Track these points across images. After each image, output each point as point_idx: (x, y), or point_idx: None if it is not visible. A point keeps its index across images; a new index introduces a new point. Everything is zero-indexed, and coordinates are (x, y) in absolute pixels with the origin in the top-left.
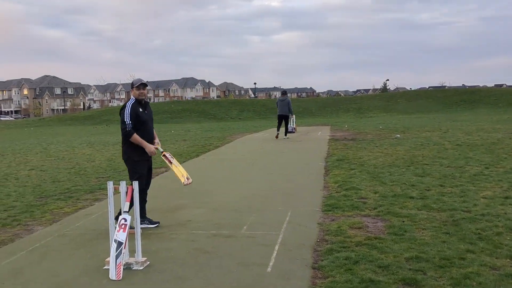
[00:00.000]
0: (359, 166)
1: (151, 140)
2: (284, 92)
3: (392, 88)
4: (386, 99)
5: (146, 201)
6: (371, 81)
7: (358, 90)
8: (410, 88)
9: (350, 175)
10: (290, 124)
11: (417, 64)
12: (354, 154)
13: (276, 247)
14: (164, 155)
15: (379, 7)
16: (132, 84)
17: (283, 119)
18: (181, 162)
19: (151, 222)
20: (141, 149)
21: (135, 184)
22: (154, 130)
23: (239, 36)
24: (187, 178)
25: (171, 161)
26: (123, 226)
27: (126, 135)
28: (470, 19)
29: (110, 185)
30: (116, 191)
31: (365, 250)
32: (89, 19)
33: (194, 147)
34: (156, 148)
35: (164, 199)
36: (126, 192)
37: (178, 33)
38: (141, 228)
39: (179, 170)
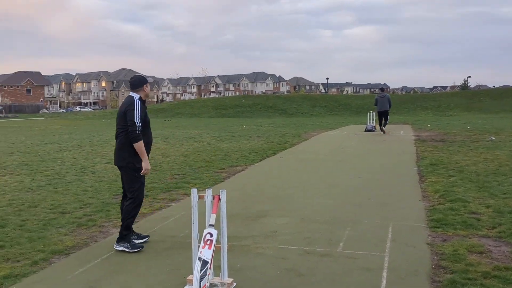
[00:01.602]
0: (458, 172)
1: (150, 145)
2: (382, 89)
3: (472, 86)
4: (468, 97)
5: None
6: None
7: (434, 87)
8: (493, 86)
9: (451, 183)
10: (371, 122)
11: (499, 61)
12: (448, 158)
13: (384, 274)
14: None
15: (458, 0)
16: (143, 81)
17: (383, 115)
18: (257, 161)
19: (140, 237)
20: (147, 153)
21: (223, 193)
22: None
23: (310, 31)
24: None
25: None
26: (208, 242)
27: (134, 139)
28: None
29: (194, 193)
30: (201, 199)
31: (498, 285)
32: (164, 14)
33: (269, 144)
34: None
35: (243, 203)
36: (212, 202)
37: (249, 27)
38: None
39: None
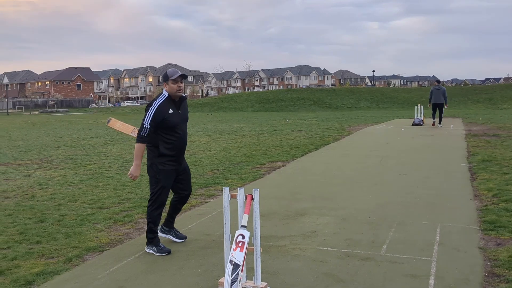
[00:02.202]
0: None
1: (183, 149)
2: (438, 81)
3: None
4: None
5: (180, 210)
6: (502, 70)
7: (487, 79)
8: None
9: (505, 182)
10: (418, 116)
11: None
12: (502, 154)
13: (431, 281)
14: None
15: None
16: (165, 76)
17: (437, 107)
18: (299, 156)
19: (177, 236)
20: (168, 155)
21: (256, 192)
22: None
23: (356, 23)
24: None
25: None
26: (240, 244)
27: (140, 140)
28: None
29: (226, 192)
30: (233, 198)
31: None
32: (209, 9)
33: (312, 138)
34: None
35: (282, 201)
36: (245, 201)
37: (293, 20)
38: (164, 236)
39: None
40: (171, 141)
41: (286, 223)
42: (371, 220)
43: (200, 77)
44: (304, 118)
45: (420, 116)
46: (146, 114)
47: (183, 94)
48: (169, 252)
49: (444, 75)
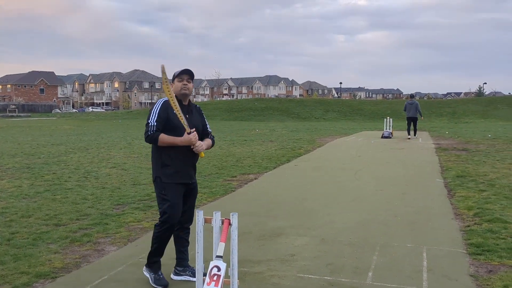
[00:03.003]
0: (489, 186)
1: (190, 160)
2: (412, 96)
3: (487, 92)
4: (484, 104)
5: (188, 242)
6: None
7: (448, 93)
8: (509, 93)
9: (484, 199)
10: (387, 129)
11: None
12: (475, 169)
13: None
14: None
15: (472, 6)
16: (173, 76)
17: (412, 121)
18: (271, 168)
19: (193, 274)
20: (175, 166)
21: (234, 217)
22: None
23: (324, 35)
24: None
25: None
26: (215, 278)
27: (148, 139)
28: None
29: (200, 216)
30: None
31: None
32: (178, 17)
33: (283, 150)
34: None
35: (256, 218)
36: (221, 228)
37: (263, 31)
38: (180, 279)
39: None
40: (175, 148)
41: (262, 245)
42: (353, 241)
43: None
44: (274, 128)
45: (389, 129)
46: (150, 114)
47: (195, 104)
48: (166, 286)
49: (408, 89)
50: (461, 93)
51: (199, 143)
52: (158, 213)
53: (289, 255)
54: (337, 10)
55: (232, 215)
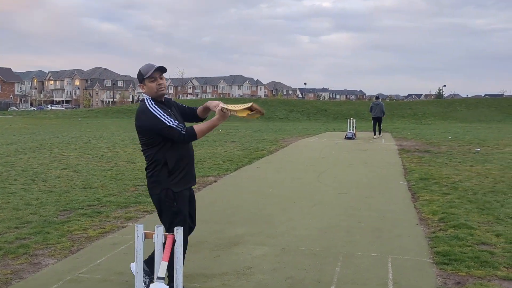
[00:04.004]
0: (452, 189)
1: (192, 160)
2: (378, 97)
3: (446, 95)
4: (444, 106)
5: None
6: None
7: (409, 95)
8: (467, 96)
9: (448, 203)
10: (351, 130)
11: (472, 71)
12: (438, 171)
13: None
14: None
15: (434, 11)
16: (140, 75)
17: (377, 121)
18: (232, 170)
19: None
20: (180, 169)
21: (179, 232)
22: None
23: (288, 36)
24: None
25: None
26: None
27: (188, 139)
28: None
29: (140, 231)
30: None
31: None
32: (142, 14)
33: (246, 151)
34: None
35: (214, 225)
36: (164, 245)
37: (228, 30)
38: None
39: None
40: (179, 148)
41: (217, 256)
42: (314, 251)
43: (131, 82)
44: (237, 128)
45: (353, 130)
46: (159, 120)
47: (166, 96)
48: None
49: (370, 90)
50: (421, 95)
51: (224, 107)
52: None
53: (246, 268)
54: (301, 11)
55: (177, 229)
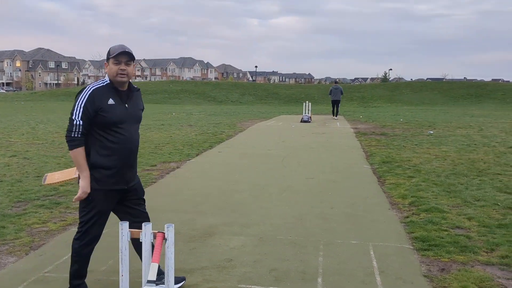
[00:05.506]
0: (416, 172)
1: (129, 159)
2: (336, 82)
3: (391, 78)
4: (391, 89)
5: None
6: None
7: (356, 79)
8: (411, 79)
9: (415, 187)
10: (306, 113)
11: (415, 55)
12: (398, 154)
13: None
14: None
15: None
16: (108, 53)
17: (335, 104)
18: (193, 156)
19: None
20: (105, 167)
21: (170, 230)
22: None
23: (237, 19)
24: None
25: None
26: None
27: (68, 144)
28: (467, 12)
29: (125, 228)
30: (135, 237)
31: None
32: None
33: (204, 135)
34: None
35: (184, 215)
36: (153, 244)
37: (175, 12)
38: None
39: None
40: (109, 146)
41: (193, 248)
42: (293, 239)
43: (76, 64)
44: (191, 111)
45: (308, 113)
46: (75, 104)
47: (134, 86)
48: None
49: (318, 73)
50: (367, 78)
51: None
52: (79, 222)
53: (226, 261)
54: None
55: (168, 227)
